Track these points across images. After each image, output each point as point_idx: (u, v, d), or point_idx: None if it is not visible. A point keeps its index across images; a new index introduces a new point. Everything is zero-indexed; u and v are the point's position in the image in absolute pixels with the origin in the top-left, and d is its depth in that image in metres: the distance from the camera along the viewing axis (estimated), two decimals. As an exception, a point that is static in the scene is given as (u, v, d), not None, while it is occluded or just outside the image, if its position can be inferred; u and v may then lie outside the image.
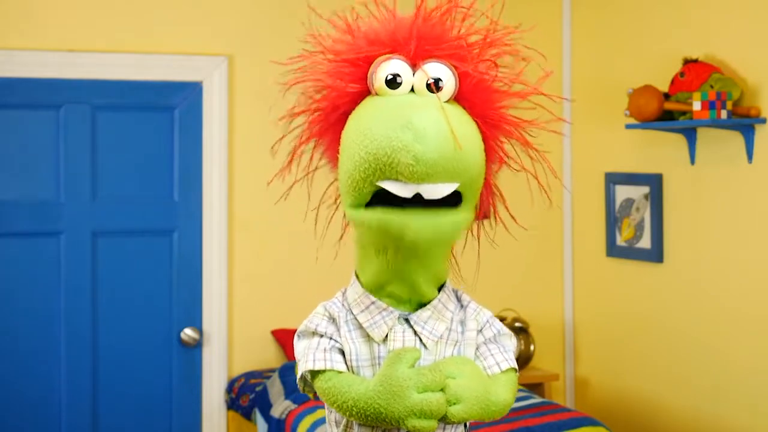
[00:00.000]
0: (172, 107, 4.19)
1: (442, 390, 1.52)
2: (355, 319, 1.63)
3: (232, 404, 4.17)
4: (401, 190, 1.49)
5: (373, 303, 1.62)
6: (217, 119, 4.20)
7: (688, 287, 3.97)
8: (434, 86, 1.55)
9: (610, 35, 4.39)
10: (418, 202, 1.50)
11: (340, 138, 1.61)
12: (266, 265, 4.30)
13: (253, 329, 4.29)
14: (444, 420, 1.53)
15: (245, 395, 4.07)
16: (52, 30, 4.02)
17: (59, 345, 4.06)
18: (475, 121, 1.59)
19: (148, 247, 4.17)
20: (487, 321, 1.68)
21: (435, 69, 1.56)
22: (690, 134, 3.89)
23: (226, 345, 4.24)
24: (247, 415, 4.03)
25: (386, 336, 1.60)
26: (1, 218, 3.98)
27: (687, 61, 3.77)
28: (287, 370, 3.94)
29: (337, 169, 1.63)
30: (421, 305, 1.63)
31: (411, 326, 1.61)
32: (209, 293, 4.22)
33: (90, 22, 4.06)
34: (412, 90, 1.57)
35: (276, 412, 3.78)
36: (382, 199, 1.52)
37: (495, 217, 1.72)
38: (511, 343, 1.69)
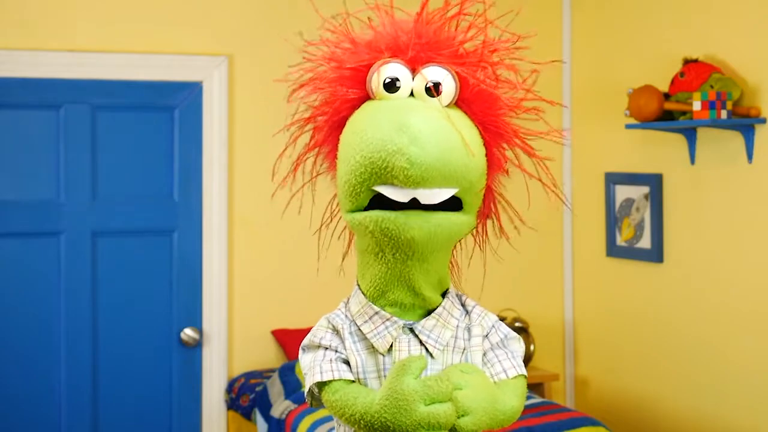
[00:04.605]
0: (172, 107, 4.19)
1: (450, 400, 1.47)
2: (359, 329, 1.58)
3: (232, 404, 4.17)
4: (397, 194, 1.46)
5: (376, 313, 1.57)
6: (217, 119, 4.20)
7: (688, 287, 3.97)
8: (434, 90, 1.52)
9: (610, 35, 4.38)
10: (416, 206, 1.47)
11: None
12: (266, 265, 4.30)
13: (253, 329, 4.29)
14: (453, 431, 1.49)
15: (245, 395, 4.07)
16: (52, 30, 4.02)
17: (59, 345, 4.05)
18: (477, 127, 1.56)
19: (148, 247, 4.17)
20: (493, 326, 1.63)
21: (434, 72, 1.52)
22: (690, 134, 3.89)
23: (226, 345, 4.24)
24: (247, 415, 4.03)
25: (390, 346, 1.56)
26: (1, 218, 3.98)
27: (687, 61, 3.77)
28: (287, 370, 3.94)
29: (335, 177, 1.60)
30: (426, 314, 1.58)
31: (416, 335, 1.57)
32: (209, 293, 4.22)
33: (90, 22, 4.06)
34: (412, 94, 1.53)
35: (276, 412, 3.78)
36: (379, 204, 1.49)
37: (497, 226, 1.68)
38: (519, 347, 1.64)
